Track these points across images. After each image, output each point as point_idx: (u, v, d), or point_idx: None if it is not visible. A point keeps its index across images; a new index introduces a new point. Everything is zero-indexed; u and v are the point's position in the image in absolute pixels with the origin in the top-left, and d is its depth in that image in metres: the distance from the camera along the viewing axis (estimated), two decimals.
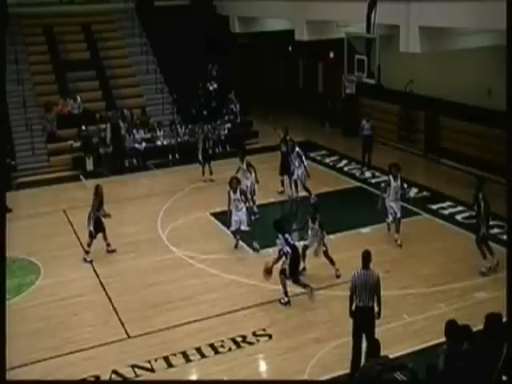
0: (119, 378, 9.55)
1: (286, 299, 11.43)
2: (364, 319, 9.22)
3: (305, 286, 11.44)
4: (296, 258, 11.41)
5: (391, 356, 9.37)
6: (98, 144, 20.18)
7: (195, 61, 23.09)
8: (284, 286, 11.41)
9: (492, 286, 11.69)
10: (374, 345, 7.71)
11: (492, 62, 19.32)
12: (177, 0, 25.39)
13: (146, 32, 24.36)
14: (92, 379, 9.51)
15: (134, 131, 20.62)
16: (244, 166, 15.54)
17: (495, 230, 14.45)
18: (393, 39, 17.62)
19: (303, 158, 16.25)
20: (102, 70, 23.07)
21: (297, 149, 16.27)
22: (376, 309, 9.25)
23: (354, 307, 9.24)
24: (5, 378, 7.59)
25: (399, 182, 13.87)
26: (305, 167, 16.16)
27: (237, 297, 11.78)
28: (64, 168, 19.99)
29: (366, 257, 9.27)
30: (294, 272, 11.32)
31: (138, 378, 9.54)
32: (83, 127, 20.44)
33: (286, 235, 11.39)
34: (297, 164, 16.13)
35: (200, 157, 18.27)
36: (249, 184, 15.32)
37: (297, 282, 11.43)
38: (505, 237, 13.68)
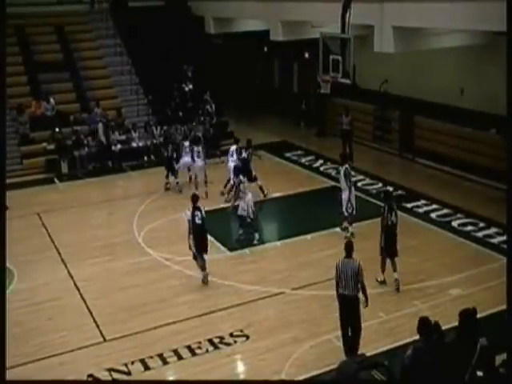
0: None
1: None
2: (347, 307, 9.44)
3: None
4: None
5: (368, 354, 9.44)
6: (73, 146, 19.97)
7: (170, 61, 22.99)
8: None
9: (466, 283, 11.83)
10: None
11: (464, 61, 19.60)
12: (151, 1, 25.27)
13: (120, 33, 24.18)
14: None
15: (109, 133, 20.45)
16: None
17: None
18: (367, 39, 17.74)
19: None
20: (75, 71, 22.85)
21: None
22: (362, 298, 9.47)
23: (338, 294, 9.49)
24: (5, 377, 7.49)
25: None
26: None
27: (213, 298, 11.75)
28: (37, 171, 19.75)
29: (349, 246, 9.57)
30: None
31: None
32: (57, 129, 20.21)
33: None
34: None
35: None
36: None
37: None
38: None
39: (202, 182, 17.26)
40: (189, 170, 17.81)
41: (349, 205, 14.05)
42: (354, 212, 14.15)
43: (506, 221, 7.90)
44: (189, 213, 12.14)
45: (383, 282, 11.80)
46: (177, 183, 17.72)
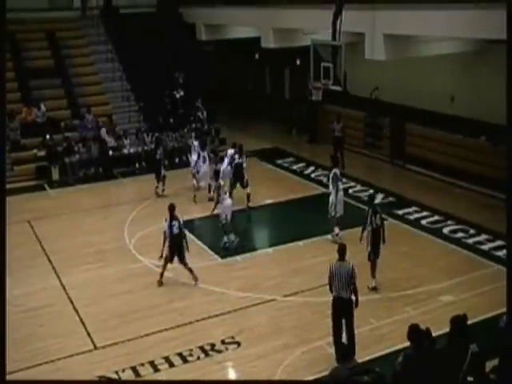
0: None
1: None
2: (340, 308, 9.56)
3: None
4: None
5: (359, 360, 9.44)
6: (64, 153, 19.92)
7: (161, 68, 23.00)
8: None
9: (457, 289, 11.87)
10: None
11: (455, 69, 19.71)
12: (143, 7, 25.31)
13: (111, 39, 24.17)
14: None
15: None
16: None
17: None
18: (358, 46, 17.83)
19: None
20: (67, 77, 22.82)
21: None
22: (353, 298, 9.56)
23: (332, 297, 9.61)
24: (5, 377, 7.44)
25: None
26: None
27: (205, 305, 11.73)
28: (28, 177, 19.66)
29: (342, 249, 9.70)
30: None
31: None
32: (48, 136, 20.16)
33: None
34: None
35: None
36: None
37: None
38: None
39: (206, 187, 17.23)
40: (194, 176, 17.72)
41: (332, 207, 14.22)
42: (338, 215, 14.23)
43: (506, 222, 7.98)
44: (165, 224, 12.26)
45: (374, 289, 11.83)
46: (163, 190, 17.69)
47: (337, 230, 14.22)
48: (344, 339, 9.65)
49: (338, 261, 9.65)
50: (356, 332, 9.74)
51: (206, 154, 17.41)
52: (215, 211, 14.55)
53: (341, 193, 14.34)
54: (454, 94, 19.41)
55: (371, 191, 16.90)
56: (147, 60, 23.01)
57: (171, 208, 12.39)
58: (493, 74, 17.89)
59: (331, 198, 14.25)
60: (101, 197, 18.47)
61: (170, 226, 12.21)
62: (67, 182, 19.53)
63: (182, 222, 12.46)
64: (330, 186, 14.35)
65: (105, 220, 16.41)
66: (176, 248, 12.32)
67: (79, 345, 10.53)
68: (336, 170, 14.37)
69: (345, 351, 9.32)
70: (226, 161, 16.79)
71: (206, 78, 24.17)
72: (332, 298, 9.63)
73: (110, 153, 20.38)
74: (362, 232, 11.96)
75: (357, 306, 9.65)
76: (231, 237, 14.17)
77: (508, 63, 8.00)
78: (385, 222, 12.36)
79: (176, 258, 12.43)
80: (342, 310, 9.55)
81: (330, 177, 14.39)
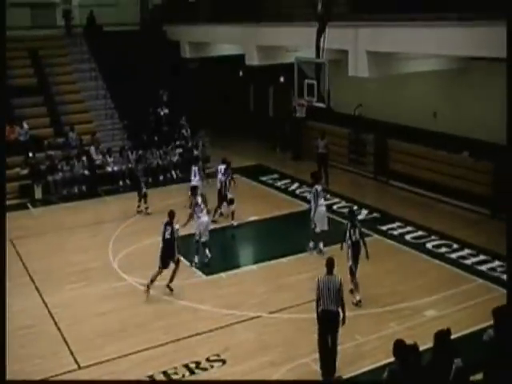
0: None
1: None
2: (327, 322, 9.50)
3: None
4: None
5: (345, 376, 9.44)
6: (47, 171, 19.80)
7: (145, 86, 23.02)
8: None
9: (441, 304, 11.92)
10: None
11: (438, 85, 19.95)
12: (126, 25, 25.38)
13: (95, 57, 24.19)
14: None
15: (84, 157, 20.44)
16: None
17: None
18: (342, 64, 17.99)
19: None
20: (50, 95, 22.75)
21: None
22: (341, 315, 9.53)
23: (319, 311, 9.55)
24: (5, 377, 7.33)
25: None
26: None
27: (190, 323, 11.65)
28: (11, 196, 19.43)
29: (330, 263, 9.74)
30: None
31: None
32: (30, 154, 20.04)
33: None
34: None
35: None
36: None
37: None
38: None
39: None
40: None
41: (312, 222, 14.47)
42: (318, 230, 14.39)
43: (506, 243, 8.16)
44: (162, 227, 12.73)
45: (359, 303, 11.82)
46: (146, 208, 17.65)
47: (311, 244, 14.49)
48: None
49: (326, 275, 9.66)
50: (341, 348, 9.73)
51: (196, 168, 17.52)
52: (192, 228, 14.43)
53: (321, 208, 14.47)
54: (436, 111, 19.63)
55: (355, 207, 17.05)
56: (131, 78, 23.02)
57: (170, 214, 12.77)
58: (475, 91, 18.17)
59: (311, 214, 14.46)
60: (85, 215, 18.33)
61: (164, 232, 12.63)
62: (50, 200, 19.40)
63: (176, 228, 12.74)
64: (312, 202, 14.52)
65: (89, 238, 16.30)
66: (168, 253, 12.59)
67: (63, 364, 10.39)
68: (317, 187, 14.56)
69: (330, 367, 9.34)
70: (219, 176, 16.93)
71: (190, 96, 24.21)
72: (319, 313, 9.54)
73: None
74: (342, 246, 12.19)
75: (344, 322, 9.59)
76: (195, 258, 14.13)
77: (508, 81, 8.10)
78: (365, 238, 12.45)
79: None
80: (329, 325, 9.49)
81: (312, 193, 14.60)
